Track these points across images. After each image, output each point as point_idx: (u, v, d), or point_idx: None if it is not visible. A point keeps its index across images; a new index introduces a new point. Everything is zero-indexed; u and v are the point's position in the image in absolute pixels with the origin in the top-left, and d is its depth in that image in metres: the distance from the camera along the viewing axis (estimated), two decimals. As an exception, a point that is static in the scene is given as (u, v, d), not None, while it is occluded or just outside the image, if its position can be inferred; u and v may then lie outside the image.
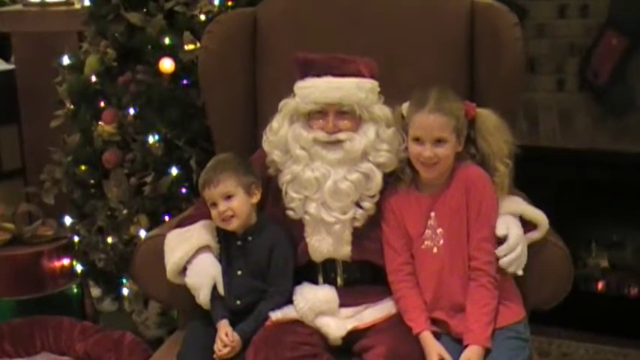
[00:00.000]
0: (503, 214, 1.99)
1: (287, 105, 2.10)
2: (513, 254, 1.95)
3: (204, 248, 2.06)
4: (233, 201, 2.03)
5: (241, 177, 2.04)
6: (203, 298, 2.03)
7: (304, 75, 2.06)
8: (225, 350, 1.96)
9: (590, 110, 3.20)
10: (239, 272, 2.05)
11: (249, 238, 2.07)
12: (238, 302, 2.03)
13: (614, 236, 3.40)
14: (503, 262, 1.95)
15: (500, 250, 1.95)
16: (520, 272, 1.97)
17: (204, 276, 2.04)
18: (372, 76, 2.07)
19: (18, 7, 3.99)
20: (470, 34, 2.36)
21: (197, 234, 2.07)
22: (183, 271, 2.06)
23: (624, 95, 3.15)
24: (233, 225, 2.05)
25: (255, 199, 2.07)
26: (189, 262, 2.05)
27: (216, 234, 2.09)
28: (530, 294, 2.05)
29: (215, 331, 2.01)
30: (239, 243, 2.07)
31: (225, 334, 1.97)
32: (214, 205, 2.04)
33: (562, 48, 3.20)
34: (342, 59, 2.06)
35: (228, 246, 2.08)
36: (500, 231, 1.96)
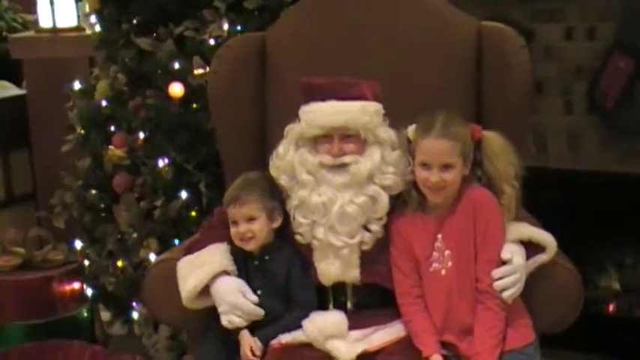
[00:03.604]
0: (510, 240, 1.99)
1: (292, 130, 2.11)
2: (507, 280, 1.94)
3: (220, 273, 2.05)
4: (254, 224, 2.05)
5: (266, 201, 2.06)
6: (247, 308, 2.01)
7: (309, 99, 2.08)
8: None
9: (599, 132, 3.20)
10: (258, 292, 2.06)
11: (266, 257, 2.08)
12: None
13: (626, 258, 3.38)
14: (496, 284, 1.94)
15: (496, 272, 1.95)
16: (509, 301, 1.95)
17: (233, 296, 2.02)
18: (375, 99, 2.08)
19: (30, 33, 4.03)
20: (477, 56, 2.37)
21: (209, 260, 2.07)
22: (198, 296, 2.06)
23: (633, 117, 3.15)
24: (250, 246, 2.06)
25: (276, 224, 2.08)
26: (210, 289, 2.04)
27: (232, 256, 2.09)
28: (540, 317, 2.04)
29: (225, 353, 2.03)
30: (256, 263, 2.08)
31: (250, 349, 1.98)
32: (235, 223, 2.06)
33: (569, 70, 3.21)
34: (345, 83, 2.08)
35: (246, 267, 2.08)
36: (504, 255, 1.96)
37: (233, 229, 2.06)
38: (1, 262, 3.23)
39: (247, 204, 2.04)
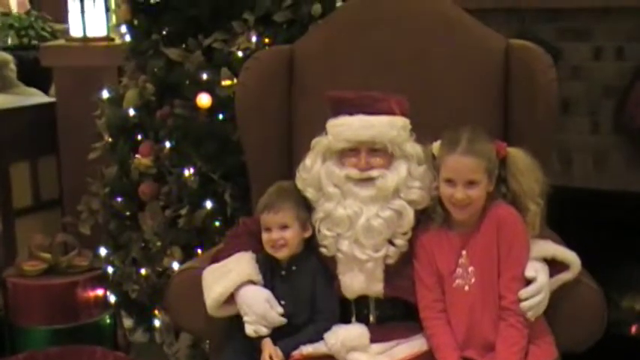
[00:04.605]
0: (534, 258, 1.99)
1: (319, 143, 2.12)
2: (534, 300, 1.94)
3: (246, 282, 2.06)
4: (287, 232, 2.06)
5: (300, 211, 2.08)
6: (273, 319, 2.02)
7: (337, 113, 2.09)
8: None
9: (625, 152, 3.19)
10: (282, 302, 2.06)
11: (294, 268, 2.09)
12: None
13: (649, 279, 3.36)
14: (522, 305, 1.94)
15: (523, 293, 1.95)
16: (532, 319, 1.95)
17: (261, 306, 2.03)
18: (403, 114, 2.10)
19: (61, 42, 4.09)
20: (505, 74, 2.38)
21: (235, 269, 2.07)
22: (223, 304, 2.07)
23: (660, 138, 3.14)
24: (282, 254, 2.07)
25: (307, 234, 2.09)
26: (235, 299, 2.05)
27: (258, 265, 2.09)
28: (562, 335, 2.03)
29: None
30: (283, 273, 2.09)
31: (270, 356, 1.99)
32: (268, 230, 2.07)
33: (596, 90, 3.20)
34: (374, 97, 2.09)
35: (272, 276, 2.09)
36: (529, 273, 1.96)
37: (265, 236, 2.08)
38: (27, 267, 3.27)
39: (282, 211, 2.06)
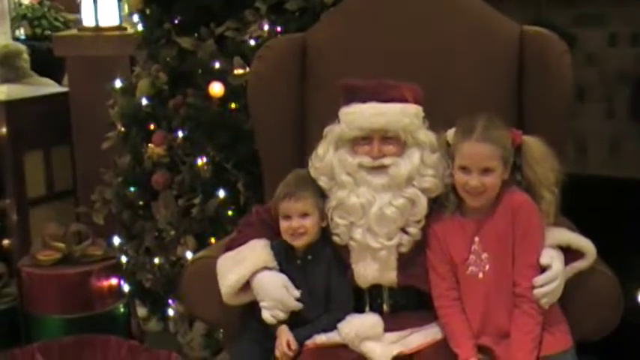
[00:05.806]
0: (549, 245, 1.98)
1: (332, 131, 2.12)
2: (548, 287, 1.93)
3: (261, 269, 2.06)
4: (308, 220, 2.05)
5: (319, 199, 2.07)
6: (290, 304, 2.03)
7: (349, 101, 2.08)
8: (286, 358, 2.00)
9: (640, 139, 3.17)
10: (299, 291, 2.06)
11: (309, 257, 2.08)
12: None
13: (666, 267, 3.33)
14: (537, 292, 1.93)
15: (538, 280, 1.94)
16: (546, 307, 1.94)
17: (277, 291, 2.03)
18: (416, 102, 2.08)
19: (73, 31, 4.10)
20: (519, 60, 2.36)
21: (250, 256, 2.07)
22: (238, 292, 2.07)
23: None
24: (301, 242, 2.07)
25: (325, 223, 2.08)
26: (251, 285, 2.05)
27: (273, 252, 2.09)
28: (578, 324, 2.02)
29: (260, 351, 2.05)
30: (298, 262, 2.09)
31: (287, 343, 2.00)
32: (288, 218, 2.06)
33: (612, 76, 3.18)
34: (386, 85, 2.08)
35: (288, 266, 2.09)
36: (544, 260, 1.95)
37: (285, 224, 2.07)
38: (41, 257, 3.29)
39: (303, 199, 2.05)
